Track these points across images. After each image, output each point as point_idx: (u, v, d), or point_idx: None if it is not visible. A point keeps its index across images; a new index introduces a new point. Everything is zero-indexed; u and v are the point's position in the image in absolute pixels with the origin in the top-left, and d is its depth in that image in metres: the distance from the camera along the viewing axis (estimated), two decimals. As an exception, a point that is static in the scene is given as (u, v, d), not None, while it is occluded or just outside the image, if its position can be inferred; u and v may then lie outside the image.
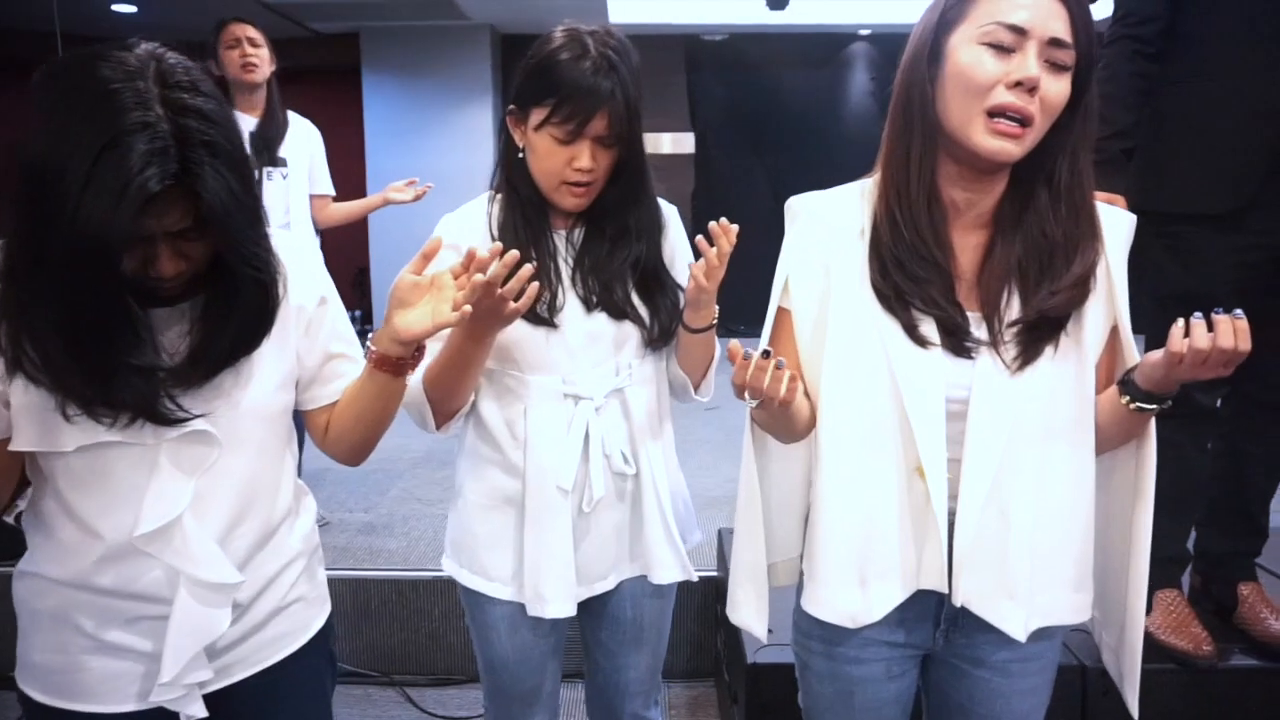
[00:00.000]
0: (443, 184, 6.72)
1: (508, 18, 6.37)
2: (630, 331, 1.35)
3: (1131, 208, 1.77)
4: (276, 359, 1.09)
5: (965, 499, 1.06)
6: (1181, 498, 1.87)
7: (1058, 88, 0.99)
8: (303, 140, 2.97)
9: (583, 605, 1.39)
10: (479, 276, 1.05)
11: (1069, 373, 1.08)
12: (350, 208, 3.08)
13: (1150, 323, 1.84)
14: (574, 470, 1.31)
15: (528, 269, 1.10)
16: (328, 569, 1.27)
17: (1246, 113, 1.62)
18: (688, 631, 2.54)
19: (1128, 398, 1.06)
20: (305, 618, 1.20)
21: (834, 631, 1.14)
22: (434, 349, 1.24)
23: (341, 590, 2.57)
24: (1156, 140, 1.75)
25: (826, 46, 6.92)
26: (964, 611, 1.10)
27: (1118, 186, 1.74)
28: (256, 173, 2.86)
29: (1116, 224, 1.11)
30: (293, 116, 2.97)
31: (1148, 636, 1.83)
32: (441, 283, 1.08)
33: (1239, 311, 0.97)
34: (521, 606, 1.35)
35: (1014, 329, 1.06)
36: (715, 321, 1.32)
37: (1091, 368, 1.11)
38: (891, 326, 1.07)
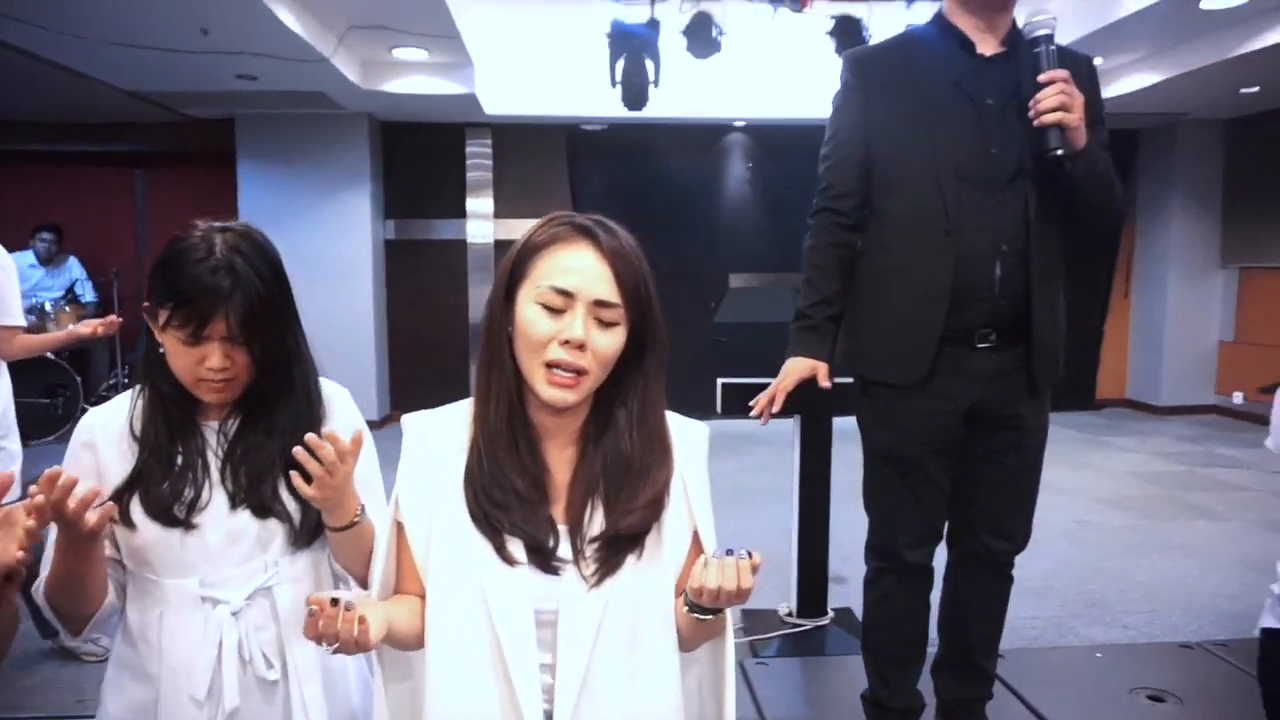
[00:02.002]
0: (320, 270, 6.75)
1: (386, 108, 6.42)
2: (276, 529, 1.33)
3: (843, 369, 1.85)
4: None
5: (559, 702, 1.12)
6: (903, 650, 1.92)
7: (606, 341, 1.10)
8: None
9: None
10: (30, 523, 1.03)
11: (652, 580, 1.15)
12: (43, 340, 2.91)
13: (865, 479, 1.91)
14: (208, 679, 1.28)
15: (91, 491, 1.10)
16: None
17: (918, 292, 1.71)
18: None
19: (687, 608, 1.14)
20: None
21: None
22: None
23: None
24: (858, 309, 1.83)
25: (704, 136, 7.14)
26: None
27: (822, 352, 1.82)
28: None
29: (691, 438, 1.21)
30: None
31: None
32: (14, 519, 1.06)
33: (744, 552, 1.04)
34: None
35: (594, 545, 1.13)
36: (359, 519, 1.31)
37: (673, 574, 1.18)
38: (484, 545, 1.13)
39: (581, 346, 1.07)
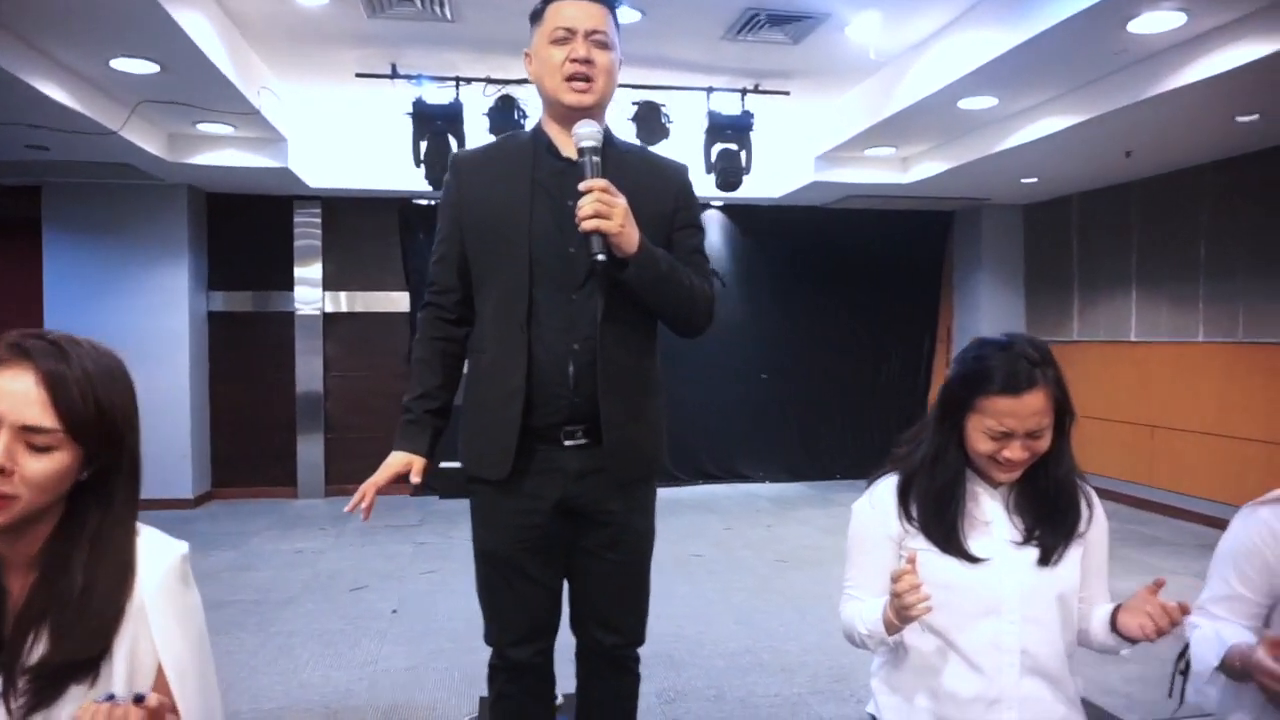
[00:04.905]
0: (132, 345, 6.45)
1: (206, 179, 6.31)
2: None
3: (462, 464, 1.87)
4: None
5: None
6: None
7: (39, 467, 1.08)
8: None
9: None
10: None
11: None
12: None
13: (476, 575, 1.91)
14: None
15: None
16: None
17: (501, 390, 1.75)
18: None
19: None
20: None
21: None
22: None
23: None
24: (465, 406, 1.86)
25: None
26: None
27: (420, 446, 1.84)
28: None
29: (157, 561, 1.18)
30: None
31: None
32: None
33: (124, 696, 1.03)
34: None
35: (26, 676, 1.09)
36: None
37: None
38: None
39: (3, 471, 1.05)
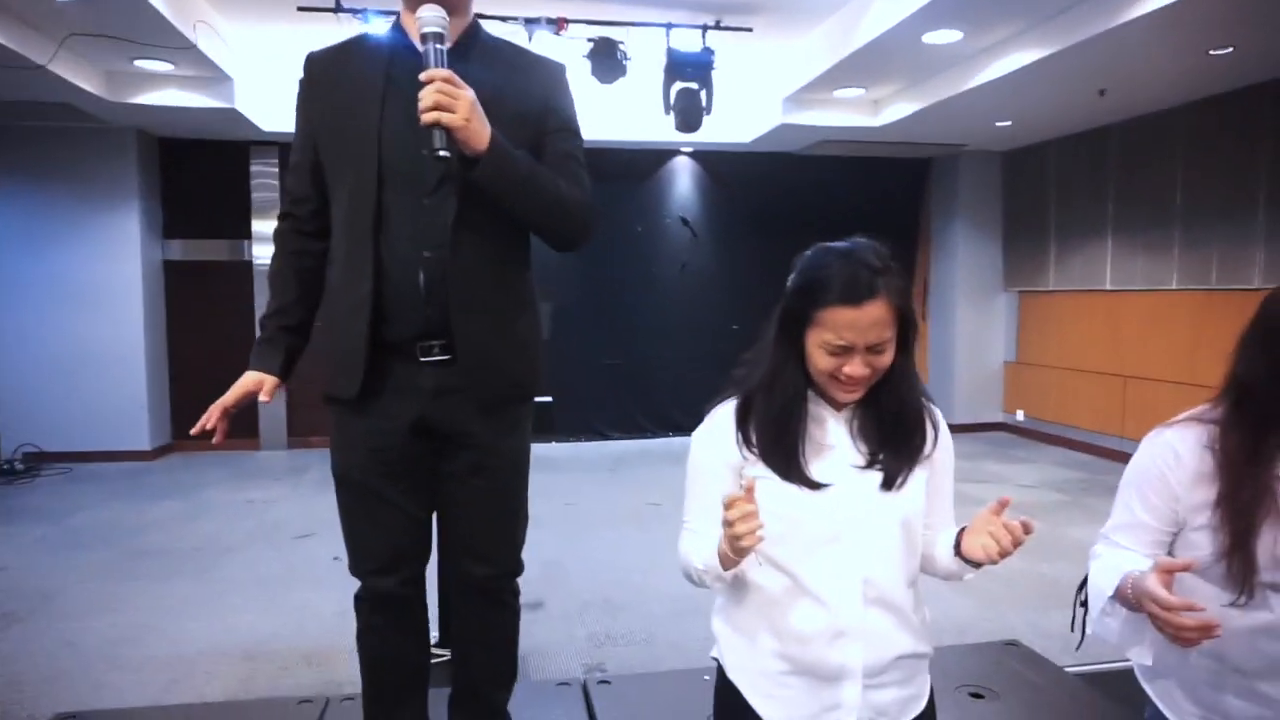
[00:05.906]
0: (82, 294, 6.35)
1: (155, 123, 6.12)
2: None
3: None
4: None
5: None
6: (387, 680, 1.81)
7: None
8: None
9: None
10: None
11: None
12: None
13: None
14: None
15: None
16: None
17: (349, 302, 1.63)
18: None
19: None
20: None
21: None
22: None
23: None
24: (320, 318, 1.74)
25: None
26: None
27: (273, 364, 1.74)
28: None
29: None
30: None
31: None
32: None
33: None
34: None
35: None
36: None
37: None
38: None
39: None
